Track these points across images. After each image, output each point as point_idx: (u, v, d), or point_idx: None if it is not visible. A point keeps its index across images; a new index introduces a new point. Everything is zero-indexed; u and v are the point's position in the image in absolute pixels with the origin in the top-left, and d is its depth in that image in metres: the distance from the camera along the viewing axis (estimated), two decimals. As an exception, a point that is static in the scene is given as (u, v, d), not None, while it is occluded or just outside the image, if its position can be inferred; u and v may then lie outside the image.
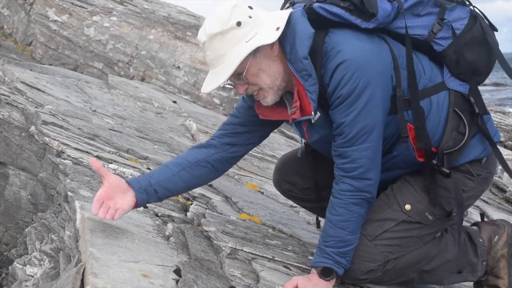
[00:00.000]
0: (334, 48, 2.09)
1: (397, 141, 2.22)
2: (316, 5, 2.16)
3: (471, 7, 2.30)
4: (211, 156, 2.39)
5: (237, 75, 2.13)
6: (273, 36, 2.08)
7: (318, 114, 2.17)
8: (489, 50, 2.28)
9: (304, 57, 2.07)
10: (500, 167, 2.72)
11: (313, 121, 2.20)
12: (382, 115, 2.13)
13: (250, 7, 2.10)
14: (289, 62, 2.12)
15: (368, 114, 2.09)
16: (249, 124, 2.41)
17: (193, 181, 2.40)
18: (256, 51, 2.09)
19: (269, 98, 2.18)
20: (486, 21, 2.31)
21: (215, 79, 2.11)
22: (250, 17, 2.08)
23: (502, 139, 6.26)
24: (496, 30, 2.33)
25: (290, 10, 2.16)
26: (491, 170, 2.38)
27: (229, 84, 2.20)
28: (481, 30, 2.26)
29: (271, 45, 2.11)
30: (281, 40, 2.12)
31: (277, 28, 2.08)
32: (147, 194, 2.26)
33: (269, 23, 2.10)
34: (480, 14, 2.31)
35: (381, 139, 2.15)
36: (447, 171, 2.22)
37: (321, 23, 2.14)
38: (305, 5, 2.18)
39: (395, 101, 2.15)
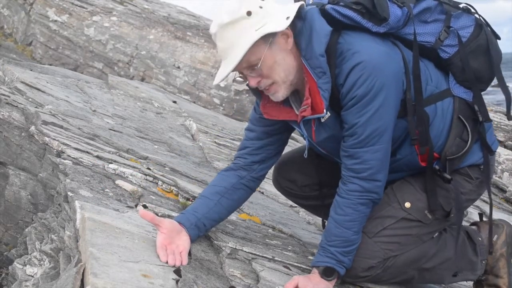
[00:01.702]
0: (350, 49, 2.09)
1: (402, 144, 2.24)
2: (328, 6, 2.17)
3: (476, 15, 2.31)
4: (243, 178, 2.43)
5: (252, 67, 2.10)
6: (282, 24, 2.06)
7: (328, 114, 2.17)
8: (492, 59, 2.30)
9: (321, 54, 2.07)
10: (500, 167, 2.73)
11: (323, 120, 2.20)
12: (393, 117, 2.14)
13: None
14: (304, 58, 2.12)
15: (381, 116, 2.10)
16: (266, 136, 2.41)
17: (233, 204, 2.44)
18: (272, 43, 2.08)
19: (281, 93, 2.16)
20: (491, 30, 2.32)
21: (224, 68, 2.10)
22: (261, 7, 2.07)
23: (502, 139, 6.26)
24: (499, 38, 2.34)
25: (302, 2, 2.16)
26: (489, 175, 2.39)
27: (240, 77, 2.18)
28: (486, 39, 2.28)
29: (286, 37, 2.10)
30: (296, 36, 2.12)
31: (287, 18, 2.07)
32: (198, 229, 2.30)
33: (279, 14, 2.09)
34: (485, 22, 2.32)
35: (391, 141, 2.16)
36: (449, 177, 2.23)
37: (332, 24, 2.14)
38: (316, 7, 2.19)
39: (404, 105, 2.17)
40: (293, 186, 2.66)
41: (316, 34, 2.08)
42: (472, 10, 2.31)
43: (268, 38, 2.07)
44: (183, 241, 2.19)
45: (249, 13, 2.04)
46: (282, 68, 2.12)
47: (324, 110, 2.12)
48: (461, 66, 2.27)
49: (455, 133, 2.26)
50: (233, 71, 2.10)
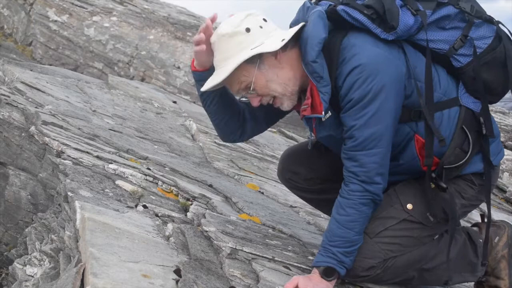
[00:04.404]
0: (350, 51, 2.11)
1: (404, 149, 2.24)
2: (340, 7, 2.17)
3: (499, 25, 2.29)
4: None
5: (247, 89, 2.17)
6: (275, 45, 2.10)
7: (329, 113, 2.19)
8: (508, 74, 2.28)
9: (312, 61, 2.10)
10: (500, 167, 2.71)
11: (323, 119, 2.22)
12: (393, 121, 2.14)
13: (265, 20, 2.14)
14: (303, 63, 2.15)
15: (379, 120, 2.10)
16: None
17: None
18: (261, 63, 2.13)
19: (286, 104, 2.23)
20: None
21: (213, 79, 2.16)
22: (261, 27, 2.12)
23: (502, 139, 6.26)
24: None
25: (301, 24, 2.18)
26: (493, 182, 2.39)
27: (244, 97, 2.24)
28: (504, 52, 2.25)
29: (275, 55, 2.14)
30: (300, 42, 2.16)
31: (282, 40, 2.11)
32: None
33: (277, 36, 2.14)
34: (508, 34, 2.29)
35: (391, 145, 2.16)
36: (444, 185, 2.23)
37: (342, 24, 2.16)
38: (330, 5, 2.20)
39: (407, 110, 2.17)
40: (297, 178, 2.66)
41: (310, 41, 2.11)
42: (494, 20, 2.29)
43: (255, 60, 2.12)
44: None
45: (247, 30, 2.10)
46: (276, 83, 2.17)
47: (323, 112, 2.14)
48: (472, 77, 2.25)
49: (455, 143, 2.25)
50: (221, 84, 2.16)
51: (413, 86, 2.17)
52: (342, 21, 2.16)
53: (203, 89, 2.19)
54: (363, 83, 2.07)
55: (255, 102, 2.21)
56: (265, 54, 2.12)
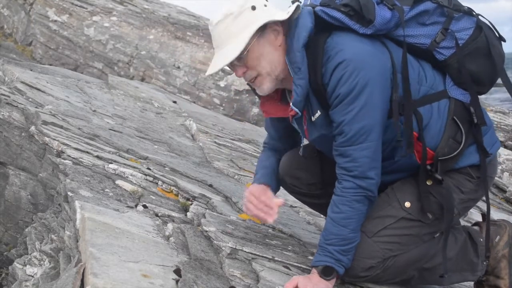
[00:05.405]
0: (334, 48, 2.14)
1: (397, 146, 2.24)
2: (318, 8, 2.21)
3: (479, 17, 2.31)
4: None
5: (239, 56, 2.17)
6: (282, 16, 2.15)
7: (319, 113, 2.21)
8: (493, 62, 2.30)
9: (298, 50, 2.13)
10: (500, 167, 2.72)
11: (313, 119, 2.24)
12: (381, 115, 2.15)
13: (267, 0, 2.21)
14: (287, 53, 2.18)
15: (367, 114, 2.12)
16: (280, 135, 2.56)
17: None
18: (261, 37, 2.16)
19: (265, 86, 2.23)
20: (495, 32, 2.32)
21: (222, 59, 2.16)
22: (265, 6, 2.18)
23: (502, 139, 6.26)
24: (504, 41, 2.33)
25: (297, 3, 2.22)
26: (491, 175, 2.39)
27: (228, 66, 2.24)
28: (486, 41, 2.27)
29: (276, 33, 2.17)
30: (288, 36, 2.19)
31: (288, 12, 2.16)
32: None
33: (280, 14, 2.19)
34: (488, 24, 2.32)
35: (381, 139, 2.17)
36: (440, 177, 2.23)
37: (324, 26, 2.19)
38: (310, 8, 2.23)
39: (395, 105, 2.18)
40: (298, 183, 2.66)
41: (297, 30, 2.15)
42: (474, 13, 2.31)
43: (257, 32, 2.14)
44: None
45: (253, 8, 2.15)
46: (267, 61, 2.19)
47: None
48: (457, 68, 2.28)
49: (448, 134, 2.27)
50: (229, 61, 2.16)
51: (397, 80, 2.18)
52: (324, 23, 2.19)
53: (211, 71, 2.21)
54: (349, 77, 2.10)
55: (239, 73, 2.21)
56: (267, 30, 2.16)
